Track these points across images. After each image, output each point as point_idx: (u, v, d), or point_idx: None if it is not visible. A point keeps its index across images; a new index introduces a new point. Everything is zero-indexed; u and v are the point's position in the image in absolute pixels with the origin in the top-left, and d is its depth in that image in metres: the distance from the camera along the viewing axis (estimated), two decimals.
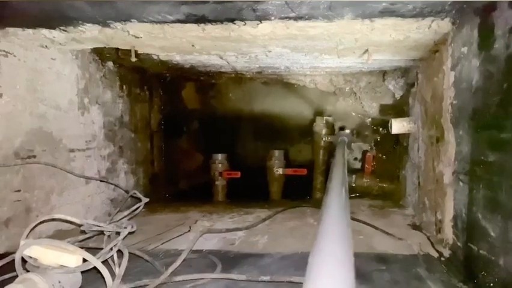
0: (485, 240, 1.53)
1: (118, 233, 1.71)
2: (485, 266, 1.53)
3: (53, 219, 1.71)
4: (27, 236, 1.54)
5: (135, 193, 2.40)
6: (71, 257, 1.41)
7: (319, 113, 4.00)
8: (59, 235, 2.24)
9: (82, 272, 1.47)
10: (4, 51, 2.02)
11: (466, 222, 1.75)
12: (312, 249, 0.99)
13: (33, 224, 1.60)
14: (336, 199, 1.38)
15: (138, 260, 1.87)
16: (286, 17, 1.81)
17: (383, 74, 3.60)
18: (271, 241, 2.25)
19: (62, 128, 2.43)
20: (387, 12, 1.72)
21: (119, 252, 1.62)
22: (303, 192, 3.96)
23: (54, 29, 2.02)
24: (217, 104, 4.28)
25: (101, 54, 2.75)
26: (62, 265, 1.41)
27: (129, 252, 1.64)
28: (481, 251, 1.57)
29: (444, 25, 1.88)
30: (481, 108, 1.61)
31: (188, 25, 1.93)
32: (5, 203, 2.00)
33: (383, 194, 3.63)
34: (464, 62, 1.80)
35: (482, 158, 1.58)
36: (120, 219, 2.00)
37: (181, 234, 2.41)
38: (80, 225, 1.72)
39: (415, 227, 2.52)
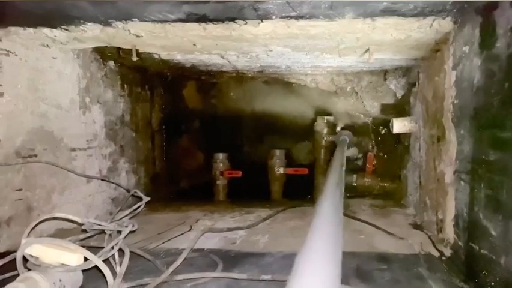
0: (487, 240, 1.53)
1: (119, 232, 1.71)
2: (486, 265, 1.53)
3: (54, 218, 1.71)
4: (28, 234, 1.54)
5: (136, 192, 2.40)
6: (72, 256, 1.41)
7: (320, 112, 3.99)
8: (60, 234, 2.25)
9: (83, 271, 1.48)
10: (6, 50, 2.02)
11: (467, 221, 1.75)
12: (301, 248, 0.99)
13: (35, 223, 1.60)
14: (329, 198, 1.38)
15: (139, 259, 1.87)
16: (287, 16, 1.80)
17: (384, 73, 3.59)
18: (272, 240, 2.25)
19: (63, 127, 2.43)
20: (389, 12, 1.72)
21: (120, 251, 1.62)
22: (304, 191, 3.95)
23: (55, 28, 2.02)
24: (218, 103, 4.28)
25: (102, 53, 2.76)
26: (63, 264, 1.42)
27: (130, 251, 1.64)
28: (482, 251, 1.57)
29: (445, 24, 1.88)
30: (482, 108, 1.61)
31: (189, 24, 1.93)
32: (6, 201, 2.01)
33: (384, 193, 3.62)
34: (466, 61, 1.79)
35: (484, 157, 1.58)
36: (121, 218, 2.00)
37: (182, 233, 2.41)
38: (81, 224, 1.72)
39: (416, 226, 2.52)
